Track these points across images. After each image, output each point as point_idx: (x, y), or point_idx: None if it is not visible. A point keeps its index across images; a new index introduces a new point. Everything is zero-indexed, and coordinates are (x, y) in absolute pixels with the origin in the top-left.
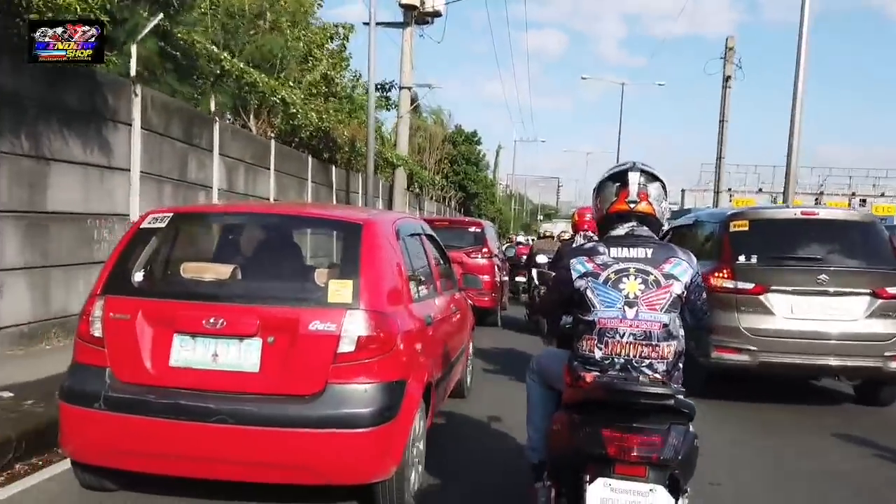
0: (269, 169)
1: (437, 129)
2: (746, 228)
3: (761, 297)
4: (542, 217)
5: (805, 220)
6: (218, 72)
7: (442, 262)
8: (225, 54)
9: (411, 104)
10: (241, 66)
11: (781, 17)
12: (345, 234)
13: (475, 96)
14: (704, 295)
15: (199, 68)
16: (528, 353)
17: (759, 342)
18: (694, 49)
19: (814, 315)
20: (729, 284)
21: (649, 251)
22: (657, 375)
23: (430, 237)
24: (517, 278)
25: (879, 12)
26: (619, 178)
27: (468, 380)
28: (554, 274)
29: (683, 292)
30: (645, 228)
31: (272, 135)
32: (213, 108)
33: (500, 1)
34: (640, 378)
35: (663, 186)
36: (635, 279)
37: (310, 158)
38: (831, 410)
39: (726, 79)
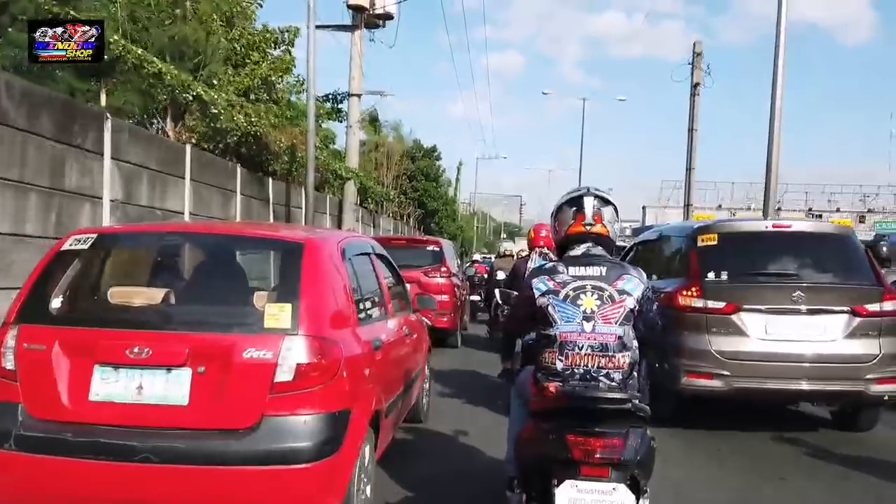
0: (183, 178)
1: (396, 144)
2: (715, 243)
3: (733, 317)
4: (504, 235)
5: (777, 234)
6: (111, 58)
7: (395, 282)
8: (116, 36)
9: (371, 121)
10: (140, 52)
11: (738, 38)
12: (285, 255)
13: (437, 116)
14: (655, 306)
15: None
16: (489, 375)
17: (732, 366)
18: (652, 69)
19: (790, 335)
20: (698, 304)
21: (604, 269)
22: (614, 384)
23: (380, 257)
24: (472, 297)
25: (830, 34)
26: (575, 202)
27: (425, 403)
28: (515, 293)
29: (636, 306)
30: (599, 248)
31: (191, 140)
32: (103, 102)
33: (461, 22)
34: (600, 385)
35: (615, 209)
36: (592, 295)
37: (238, 168)
38: (808, 437)
39: (694, 85)
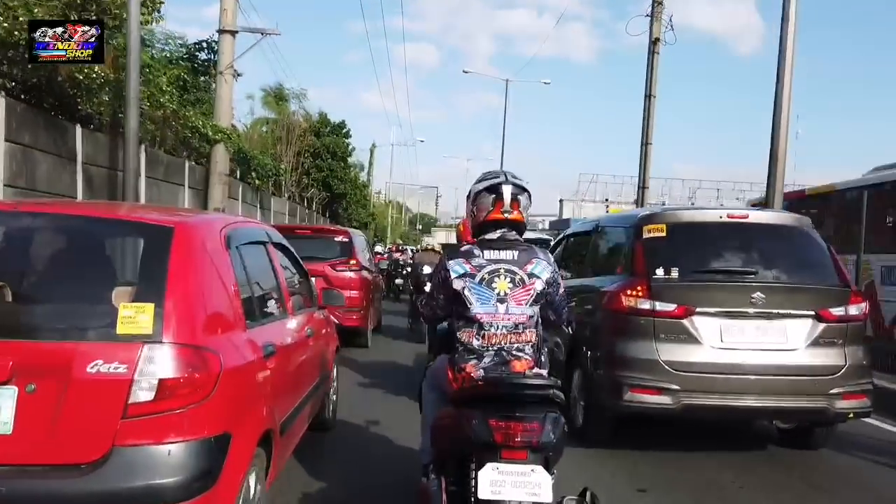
0: None
1: (297, 119)
2: (663, 234)
3: (685, 322)
4: (420, 226)
5: (733, 225)
6: None
7: (297, 276)
8: None
9: (276, 98)
10: None
11: (639, 41)
12: (149, 242)
13: (351, 105)
14: (562, 290)
15: None
16: (408, 365)
17: (682, 379)
18: (562, 67)
19: (747, 343)
20: (645, 305)
21: (516, 253)
22: (528, 358)
23: (279, 247)
24: (396, 280)
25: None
26: (494, 190)
27: (329, 409)
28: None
29: (544, 288)
30: (514, 233)
31: None
32: None
33: (377, 12)
34: (514, 363)
35: (529, 196)
36: (505, 279)
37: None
38: (757, 458)
39: (654, 42)
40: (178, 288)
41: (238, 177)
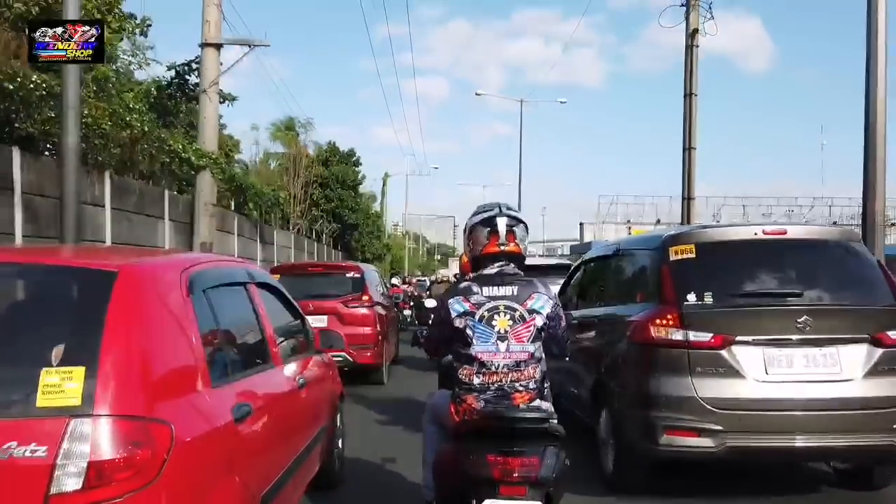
0: None
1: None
2: (693, 256)
3: (724, 353)
4: (439, 257)
5: (770, 242)
6: None
7: (291, 318)
8: None
9: (286, 129)
10: None
11: (646, 66)
12: (84, 291)
13: (364, 141)
14: (563, 323)
15: None
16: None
17: (724, 418)
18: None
19: (796, 375)
20: (677, 336)
21: (515, 289)
22: (530, 392)
23: (265, 287)
24: (405, 311)
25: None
26: (488, 223)
27: (335, 463)
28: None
29: (545, 323)
30: (512, 266)
31: None
32: None
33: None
34: (515, 396)
35: (525, 227)
36: (505, 316)
37: None
38: (811, 501)
39: (692, 34)
40: (117, 345)
41: (234, 208)
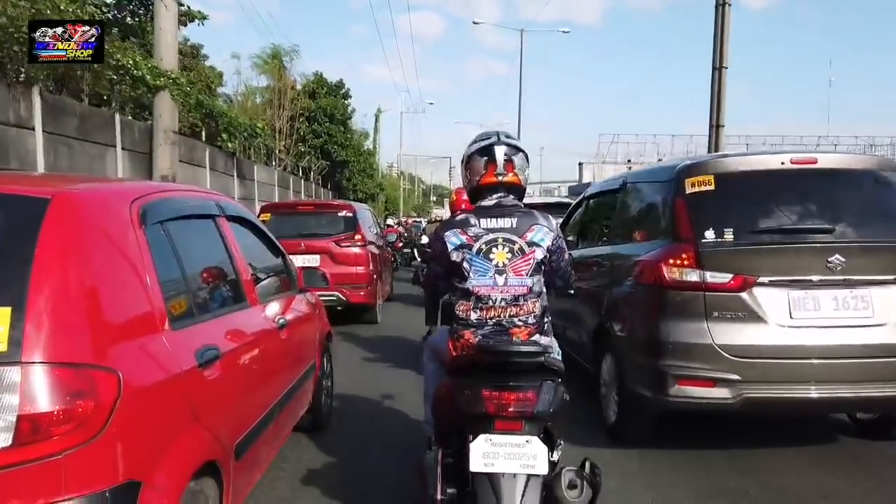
0: None
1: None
2: (711, 187)
3: (744, 295)
4: (434, 198)
5: (798, 172)
6: None
7: (271, 256)
8: None
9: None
10: None
11: (646, 3)
12: (11, 222)
13: (356, 79)
14: (567, 255)
15: None
16: (417, 338)
17: (742, 367)
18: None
19: (824, 319)
20: (692, 277)
21: (514, 220)
22: (529, 327)
23: (239, 220)
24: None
25: None
26: (486, 152)
27: (322, 405)
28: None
29: (546, 256)
30: (511, 197)
31: None
32: None
33: None
34: (513, 331)
35: (525, 157)
36: (503, 248)
37: None
38: (831, 454)
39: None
40: (50, 283)
41: (205, 139)
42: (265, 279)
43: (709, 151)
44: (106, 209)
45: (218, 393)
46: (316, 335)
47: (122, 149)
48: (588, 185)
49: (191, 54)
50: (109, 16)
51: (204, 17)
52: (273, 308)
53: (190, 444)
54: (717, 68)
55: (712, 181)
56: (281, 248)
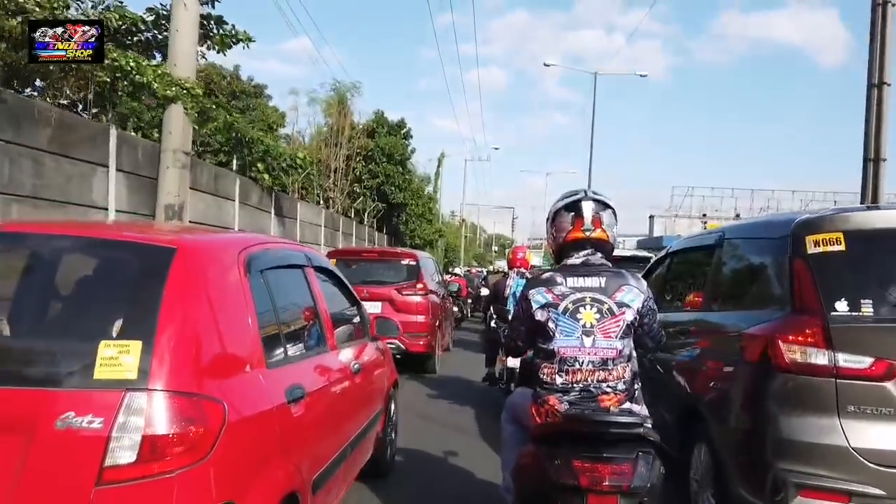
0: None
1: (346, 119)
2: (841, 248)
3: (889, 386)
4: (496, 248)
5: None
6: None
7: (348, 304)
8: None
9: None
10: None
11: (710, 58)
12: (143, 267)
13: (422, 130)
14: (658, 316)
15: None
16: (478, 393)
17: (888, 480)
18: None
19: None
20: (820, 359)
21: (603, 280)
22: (618, 394)
23: (323, 271)
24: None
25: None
26: (573, 207)
27: (387, 452)
28: (511, 311)
29: (636, 318)
30: (599, 255)
31: None
32: None
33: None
34: (602, 397)
35: (614, 213)
36: (591, 308)
37: None
38: None
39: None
40: (174, 322)
41: (236, 168)
42: (343, 326)
43: (862, 191)
44: (220, 258)
45: (302, 429)
46: (385, 382)
47: (118, 170)
48: (659, 238)
49: (254, 93)
50: (149, 35)
51: (250, 40)
52: (349, 353)
53: (278, 474)
54: (876, 85)
55: (842, 239)
56: (356, 296)
